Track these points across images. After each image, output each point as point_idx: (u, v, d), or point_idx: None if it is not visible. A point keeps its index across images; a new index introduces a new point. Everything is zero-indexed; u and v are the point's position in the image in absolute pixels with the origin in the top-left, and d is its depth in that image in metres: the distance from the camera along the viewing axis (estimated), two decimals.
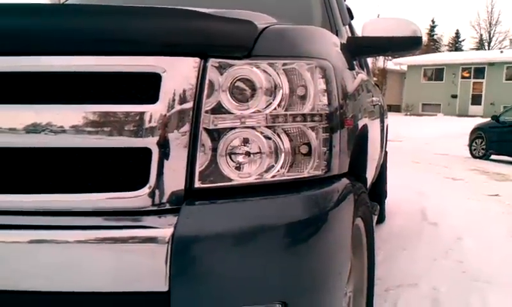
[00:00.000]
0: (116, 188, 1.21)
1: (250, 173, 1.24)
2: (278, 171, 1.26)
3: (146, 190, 1.19)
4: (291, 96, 1.28)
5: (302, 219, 1.23)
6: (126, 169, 1.21)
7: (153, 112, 1.19)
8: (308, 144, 1.30)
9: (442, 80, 31.76)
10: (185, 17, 1.28)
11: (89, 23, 1.25)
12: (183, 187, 1.20)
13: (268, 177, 1.25)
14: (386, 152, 4.89)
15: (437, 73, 32.31)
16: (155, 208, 1.20)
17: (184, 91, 1.20)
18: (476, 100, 29.93)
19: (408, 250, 3.82)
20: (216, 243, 1.15)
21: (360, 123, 1.90)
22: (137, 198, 1.19)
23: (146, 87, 1.21)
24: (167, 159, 1.19)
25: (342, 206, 1.39)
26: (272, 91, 1.26)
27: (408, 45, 2.06)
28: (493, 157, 11.83)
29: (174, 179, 1.20)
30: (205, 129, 1.22)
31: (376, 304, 2.09)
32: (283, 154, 1.26)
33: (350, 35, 2.73)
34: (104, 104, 1.20)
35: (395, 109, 31.74)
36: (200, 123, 1.21)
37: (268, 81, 1.26)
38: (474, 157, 12.13)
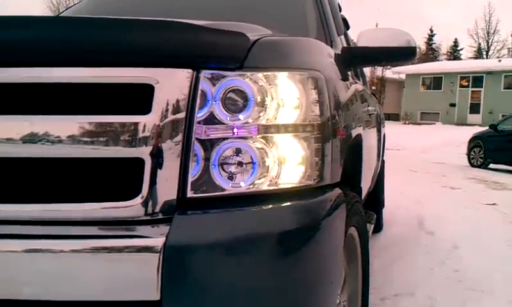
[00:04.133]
0: (109, 198, 1.21)
1: (242, 183, 1.25)
2: (270, 180, 1.27)
3: (139, 200, 1.20)
4: (283, 106, 1.30)
5: (293, 228, 1.24)
6: (119, 179, 1.23)
7: (146, 122, 1.20)
8: (300, 154, 1.31)
9: (440, 89, 31.80)
10: (178, 29, 1.30)
11: (84, 35, 1.27)
12: (175, 197, 1.21)
13: (260, 187, 1.26)
14: (383, 161, 4.90)
15: (435, 82, 32.34)
16: (147, 217, 1.20)
17: (177, 101, 1.22)
18: (474, 108, 29.95)
19: (405, 259, 3.82)
20: (208, 252, 1.16)
21: (354, 133, 1.92)
22: (130, 208, 1.20)
23: (139, 98, 1.22)
24: (160, 169, 1.20)
25: (334, 216, 1.40)
26: (264, 102, 1.27)
27: (401, 55, 2.09)
28: (491, 165, 11.85)
29: (166, 189, 1.21)
30: (198, 139, 1.23)
31: None
32: (275, 164, 1.27)
33: (345, 45, 2.75)
34: (97, 115, 1.21)
35: (394, 117, 31.80)
36: (192, 133, 1.22)
37: (260, 92, 1.27)
38: (472, 165, 12.15)
